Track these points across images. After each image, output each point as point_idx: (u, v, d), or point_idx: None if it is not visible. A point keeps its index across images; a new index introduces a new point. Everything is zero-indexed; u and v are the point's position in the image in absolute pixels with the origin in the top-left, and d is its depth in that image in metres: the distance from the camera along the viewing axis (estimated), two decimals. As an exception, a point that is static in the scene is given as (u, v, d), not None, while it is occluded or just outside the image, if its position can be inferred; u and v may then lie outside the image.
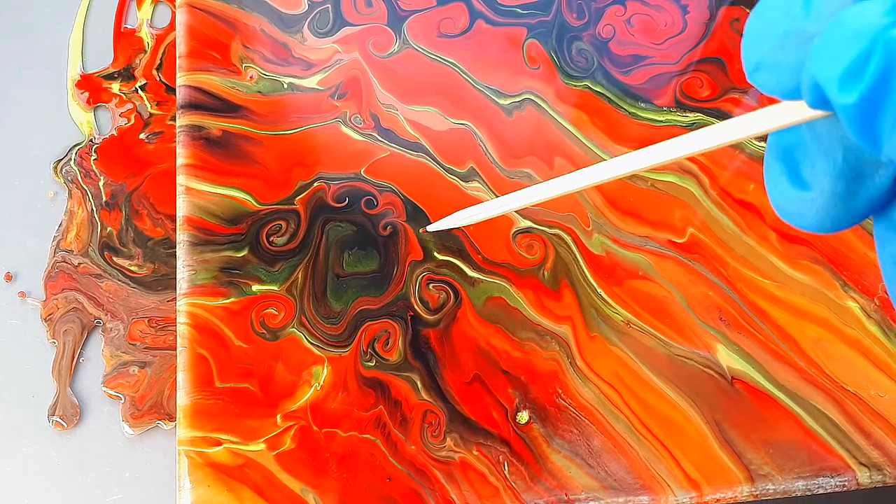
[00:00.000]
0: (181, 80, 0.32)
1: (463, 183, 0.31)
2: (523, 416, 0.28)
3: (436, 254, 0.30)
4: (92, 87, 0.35)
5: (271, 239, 0.30)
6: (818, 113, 0.15)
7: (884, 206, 0.15)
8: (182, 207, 0.30)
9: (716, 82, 0.33)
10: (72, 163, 0.34)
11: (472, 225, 0.30)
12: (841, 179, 0.15)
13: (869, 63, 0.12)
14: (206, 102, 0.31)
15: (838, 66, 0.13)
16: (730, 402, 0.28)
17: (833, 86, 0.13)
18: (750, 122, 0.16)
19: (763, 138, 0.31)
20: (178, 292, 0.29)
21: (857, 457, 0.28)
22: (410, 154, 0.31)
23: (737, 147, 0.31)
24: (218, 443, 0.27)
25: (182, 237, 0.30)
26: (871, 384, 0.28)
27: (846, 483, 0.27)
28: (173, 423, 0.30)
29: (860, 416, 0.28)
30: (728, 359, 0.29)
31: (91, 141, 0.34)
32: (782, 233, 0.30)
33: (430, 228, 0.30)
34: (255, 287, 0.29)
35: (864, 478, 0.27)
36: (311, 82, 0.32)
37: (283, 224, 0.30)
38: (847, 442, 0.28)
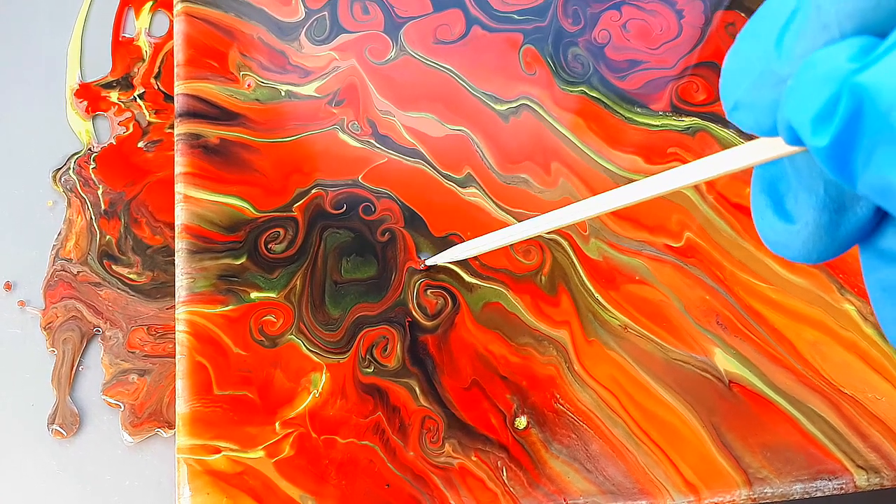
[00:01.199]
0: (179, 88, 0.32)
1: (460, 189, 0.31)
2: (521, 422, 0.28)
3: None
4: (90, 96, 0.35)
5: (269, 246, 0.30)
6: (795, 149, 0.15)
7: (867, 235, 0.15)
8: (180, 215, 0.30)
9: (712, 86, 0.33)
10: (70, 171, 0.34)
11: (469, 231, 0.30)
12: (824, 212, 0.15)
13: (837, 107, 0.13)
14: (203, 111, 0.32)
15: (809, 111, 0.13)
16: (727, 406, 0.28)
17: (806, 129, 0.13)
18: (731, 158, 0.17)
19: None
20: (176, 300, 0.29)
21: (854, 459, 0.28)
22: (408, 160, 0.32)
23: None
24: (217, 450, 0.27)
25: (180, 245, 0.30)
26: (867, 387, 0.29)
27: (844, 486, 0.27)
28: (173, 431, 0.30)
29: (857, 419, 0.28)
30: (725, 362, 0.29)
31: (90, 149, 0.34)
32: (779, 236, 0.30)
33: (428, 263, 0.30)
34: (254, 294, 0.29)
35: (862, 480, 0.27)
36: (309, 90, 0.32)
37: (282, 231, 0.30)
38: (844, 445, 0.28)
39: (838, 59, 0.13)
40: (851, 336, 0.29)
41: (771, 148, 0.16)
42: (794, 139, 0.14)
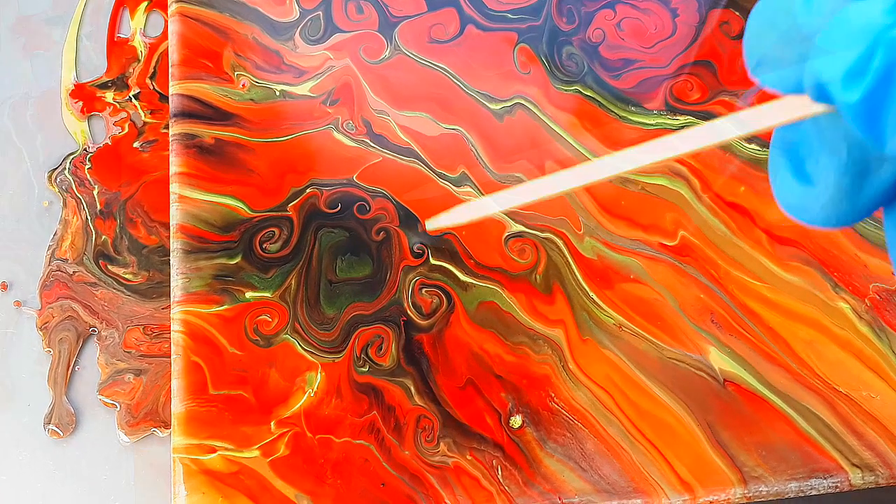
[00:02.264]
0: (174, 88, 0.32)
1: (455, 188, 0.31)
2: (516, 421, 0.28)
3: (429, 258, 0.30)
4: (86, 97, 0.35)
5: (264, 246, 0.30)
6: (822, 108, 0.14)
7: (892, 200, 0.15)
8: (175, 215, 0.30)
9: (706, 85, 0.33)
10: (66, 172, 0.34)
11: (464, 230, 0.30)
12: (846, 175, 0.15)
13: (871, 62, 0.13)
14: (198, 111, 0.32)
15: (841, 65, 0.13)
16: (722, 405, 0.28)
17: (836, 84, 0.13)
18: (755, 117, 0.16)
19: (751, 139, 0.32)
20: (171, 300, 0.29)
21: (849, 458, 0.28)
22: (402, 159, 0.32)
23: (727, 150, 0.32)
24: (212, 450, 0.27)
25: (175, 245, 0.30)
26: (862, 385, 0.29)
27: (839, 484, 0.27)
28: (169, 431, 0.31)
29: (852, 417, 0.28)
30: (720, 361, 0.29)
31: (85, 150, 0.34)
32: (773, 235, 0.30)
33: (430, 227, 0.29)
34: (249, 294, 0.29)
35: (857, 479, 0.27)
36: (303, 89, 0.32)
37: (276, 231, 0.30)
38: (839, 443, 0.28)
39: (873, 13, 0.13)
40: (846, 334, 0.29)
41: (796, 108, 0.15)
42: (822, 96, 0.14)
